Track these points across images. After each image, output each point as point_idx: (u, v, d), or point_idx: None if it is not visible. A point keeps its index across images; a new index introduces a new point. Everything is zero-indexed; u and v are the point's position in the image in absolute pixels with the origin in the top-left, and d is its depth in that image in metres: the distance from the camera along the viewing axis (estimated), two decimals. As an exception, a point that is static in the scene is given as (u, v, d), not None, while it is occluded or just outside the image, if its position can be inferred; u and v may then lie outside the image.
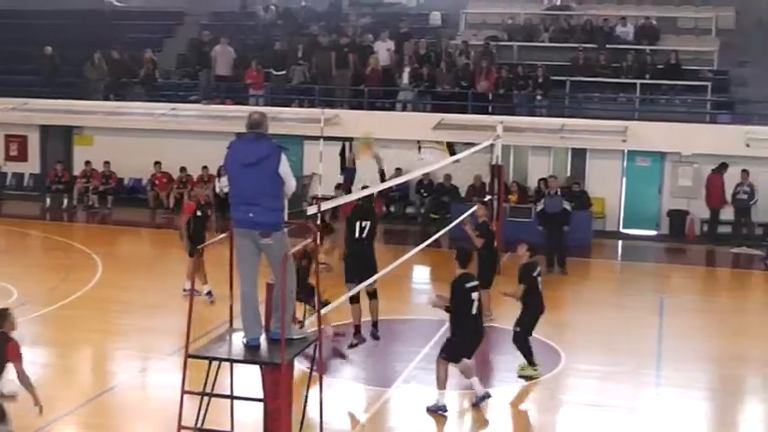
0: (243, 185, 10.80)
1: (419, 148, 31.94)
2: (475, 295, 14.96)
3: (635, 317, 21.32)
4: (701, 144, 30.37)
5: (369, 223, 16.96)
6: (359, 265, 16.69)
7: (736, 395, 17.19)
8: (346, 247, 17.55)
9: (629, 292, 24.00)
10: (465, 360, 15.21)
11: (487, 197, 25.75)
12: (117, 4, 42.67)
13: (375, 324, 17.55)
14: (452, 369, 15.07)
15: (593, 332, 20.31)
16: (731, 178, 30.01)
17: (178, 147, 33.88)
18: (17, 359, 11.81)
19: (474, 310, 14.94)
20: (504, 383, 16.86)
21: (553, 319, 20.65)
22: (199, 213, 21.29)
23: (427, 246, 21.45)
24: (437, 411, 15.00)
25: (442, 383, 15.02)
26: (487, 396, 15.36)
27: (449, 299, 15.18)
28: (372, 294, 17.25)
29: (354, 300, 17.02)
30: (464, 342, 15.14)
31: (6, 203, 35.01)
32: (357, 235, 16.91)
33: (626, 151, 31.57)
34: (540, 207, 26.33)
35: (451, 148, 31.25)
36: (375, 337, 17.59)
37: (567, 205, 25.66)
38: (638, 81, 32.63)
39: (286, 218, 11.09)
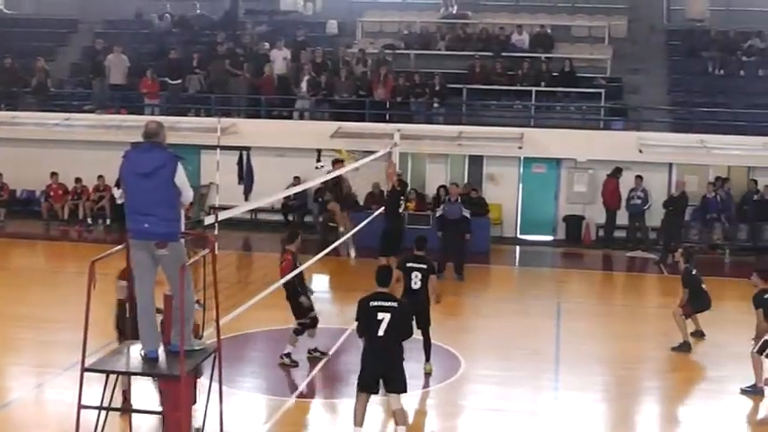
0: (138, 195, 10.71)
1: (318, 156, 31.96)
2: (382, 316, 13.37)
3: (533, 322, 21.56)
4: (596, 150, 30.92)
5: None
6: None
7: (633, 396, 17.49)
8: None
9: (527, 298, 24.25)
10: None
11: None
12: (6, 11, 42.01)
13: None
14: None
15: (493, 337, 20.49)
16: (626, 183, 30.58)
17: (73, 157, 33.37)
18: None
19: (380, 332, 13.37)
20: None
21: (452, 325, 20.87)
22: None
23: (326, 254, 21.48)
24: None
25: (357, 420, 13.60)
26: None
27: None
28: None
29: None
30: (365, 368, 13.67)
31: None
32: None
33: (522, 158, 31.97)
34: (439, 213, 26.47)
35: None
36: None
37: (466, 213, 25.89)
38: (534, 88, 33.12)
39: (183, 228, 11.04)
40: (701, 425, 16.26)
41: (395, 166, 24.50)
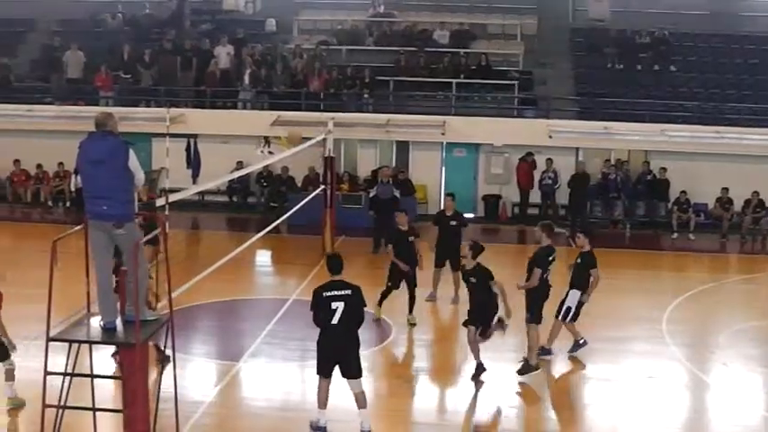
0: (94, 181, 10.59)
1: (267, 142, 31.88)
2: (336, 305, 12.87)
3: (449, 292, 21.41)
4: (510, 136, 31.18)
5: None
6: None
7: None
8: None
9: (450, 269, 24.17)
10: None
11: (321, 187, 25.86)
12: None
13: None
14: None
15: (419, 305, 20.46)
16: (537, 166, 30.94)
17: (34, 145, 33.05)
18: None
19: (335, 320, 12.87)
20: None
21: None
22: None
23: (267, 232, 21.42)
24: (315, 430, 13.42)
25: (321, 402, 13.28)
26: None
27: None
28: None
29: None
30: (323, 355, 13.18)
31: None
32: None
33: (444, 143, 32.12)
34: (372, 193, 26.45)
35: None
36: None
37: (396, 193, 25.93)
38: (454, 80, 33.24)
39: (136, 209, 10.96)
40: (605, 380, 16.49)
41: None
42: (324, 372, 13.20)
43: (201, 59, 34.01)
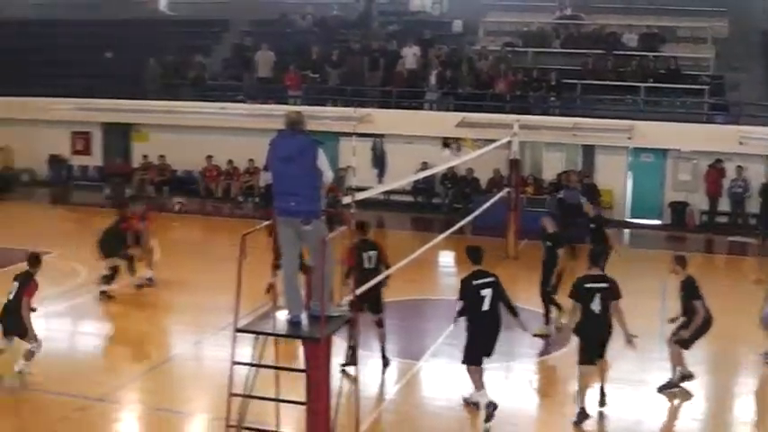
0: (284, 178, 10.79)
1: (456, 145, 31.95)
2: (485, 292, 13.48)
3: (639, 300, 20.94)
4: (699, 142, 30.37)
5: (375, 253, 15.68)
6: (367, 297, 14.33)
7: (732, 369, 17.07)
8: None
9: (633, 277, 23.67)
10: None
11: (506, 189, 25.73)
12: (168, 13, 42.69)
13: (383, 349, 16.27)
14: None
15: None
16: (728, 173, 30.12)
17: (226, 142, 34.13)
18: (31, 295, 14.41)
19: (485, 307, 13.47)
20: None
21: (566, 301, 20.53)
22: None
23: (451, 233, 21.39)
24: (471, 404, 14.13)
25: (482, 383, 13.69)
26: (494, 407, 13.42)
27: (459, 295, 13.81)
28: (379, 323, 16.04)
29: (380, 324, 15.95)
30: (476, 342, 13.66)
31: (74, 193, 36.08)
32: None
33: (631, 148, 31.54)
34: (560, 196, 26.06)
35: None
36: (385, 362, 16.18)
37: (582, 200, 25.38)
38: (642, 84, 32.51)
39: (323, 207, 11.10)
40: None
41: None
42: (478, 360, 13.68)
43: (388, 60, 34.39)
